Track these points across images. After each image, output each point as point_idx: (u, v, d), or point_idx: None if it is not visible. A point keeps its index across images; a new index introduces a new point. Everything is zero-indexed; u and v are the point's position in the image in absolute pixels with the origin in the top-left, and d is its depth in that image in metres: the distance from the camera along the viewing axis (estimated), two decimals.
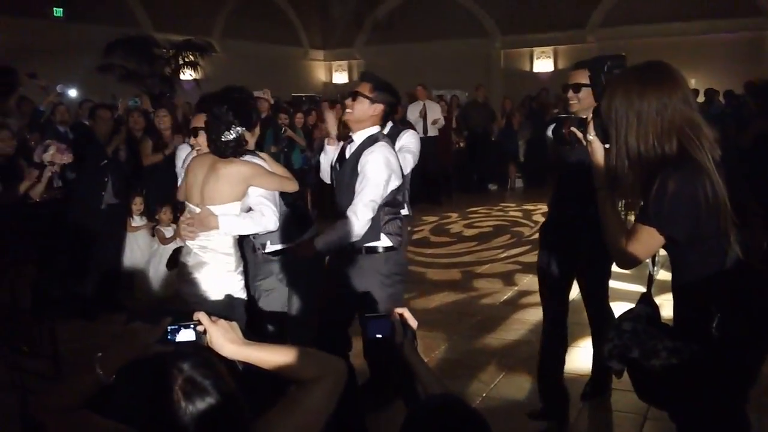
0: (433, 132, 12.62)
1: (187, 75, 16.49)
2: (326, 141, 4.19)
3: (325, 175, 4.19)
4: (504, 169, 14.90)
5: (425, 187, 12.40)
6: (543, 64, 20.47)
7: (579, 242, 3.87)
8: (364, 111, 3.77)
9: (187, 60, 16.16)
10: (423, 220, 11.21)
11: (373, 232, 3.70)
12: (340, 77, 23.26)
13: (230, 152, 3.72)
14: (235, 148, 3.73)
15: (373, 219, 3.66)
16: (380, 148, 3.70)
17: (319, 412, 1.81)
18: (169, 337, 1.83)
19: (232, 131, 3.68)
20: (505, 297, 6.79)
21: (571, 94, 3.77)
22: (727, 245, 2.36)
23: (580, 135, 2.73)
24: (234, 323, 1.88)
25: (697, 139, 2.30)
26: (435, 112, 12.77)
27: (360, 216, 3.62)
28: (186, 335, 1.83)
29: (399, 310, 2.24)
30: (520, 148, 14.70)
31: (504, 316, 6.15)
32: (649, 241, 2.37)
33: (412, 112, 12.38)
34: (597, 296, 4.23)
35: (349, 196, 3.71)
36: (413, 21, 21.02)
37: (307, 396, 1.81)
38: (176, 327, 1.83)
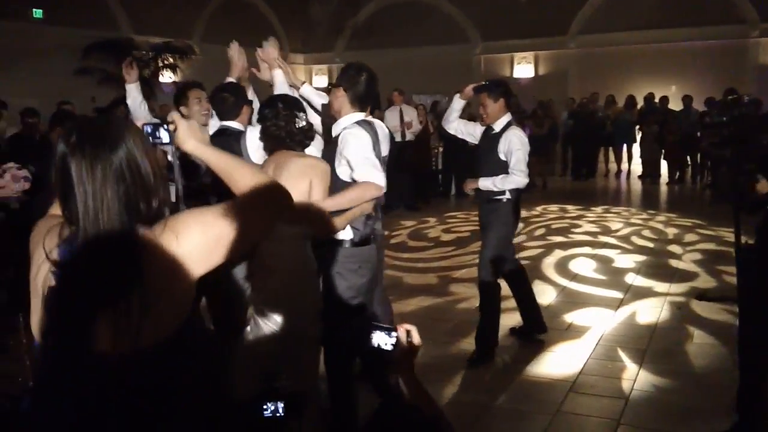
0: (410, 137, 12.68)
1: (167, 77, 16.43)
2: None
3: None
4: None
5: (407, 190, 12.55)
6: (523, 69, 20.55)
7: None
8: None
9: (166, 62, 16.10)
10: (401, 224, 11.24)
11: None
12: (320, 81, 23.27)
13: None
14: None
15: None
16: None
17: (240, 230, 1.79)
18: (146, 136, 1.96)
19: (300, 119, 3.69)
20: None
21: None
22: None
23: None
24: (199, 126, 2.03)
25: None
26: (410, 116, 12.81)
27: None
28: (161, 134, 2.00)
29: (406, 326, 2.06)
30: None
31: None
32: None
33: (392, 118, 12.37)
34: None
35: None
36: (393, 26, 21.05)
37: (236, 211, 1.80)
38: (152, 125, 2.01)
